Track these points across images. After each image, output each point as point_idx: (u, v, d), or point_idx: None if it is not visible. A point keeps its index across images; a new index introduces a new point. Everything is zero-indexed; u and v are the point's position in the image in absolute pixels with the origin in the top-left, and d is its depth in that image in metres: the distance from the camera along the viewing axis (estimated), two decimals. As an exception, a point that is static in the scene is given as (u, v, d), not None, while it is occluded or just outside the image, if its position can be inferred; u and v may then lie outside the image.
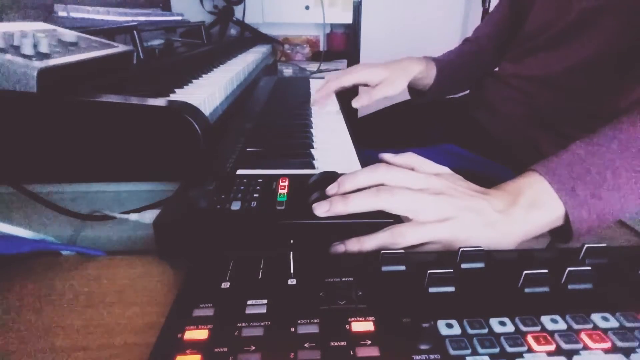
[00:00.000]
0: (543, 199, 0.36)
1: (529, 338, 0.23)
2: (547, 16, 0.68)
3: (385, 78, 0.70)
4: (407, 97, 0.86)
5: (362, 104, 0.67)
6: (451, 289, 0.27)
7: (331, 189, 0.35)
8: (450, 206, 0.34)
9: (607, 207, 0.37)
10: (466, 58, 0.84)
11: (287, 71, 1.57)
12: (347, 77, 0.69)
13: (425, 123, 0.86)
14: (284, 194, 0.37)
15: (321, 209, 0.33)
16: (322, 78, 1.28)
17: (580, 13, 0.60)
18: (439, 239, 0.34)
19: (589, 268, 0.28)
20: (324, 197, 0.35)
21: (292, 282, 0.28)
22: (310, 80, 1.04)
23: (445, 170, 0.38)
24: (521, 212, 0.36)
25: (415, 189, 0.35)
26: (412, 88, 0.79)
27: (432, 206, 0.34)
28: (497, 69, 0.83)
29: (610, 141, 0.39)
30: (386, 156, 0.39)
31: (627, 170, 0.37)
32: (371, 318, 0.24)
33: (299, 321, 0.24)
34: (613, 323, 0.24)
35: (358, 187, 0.35)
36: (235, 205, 0.35)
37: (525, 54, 0.72)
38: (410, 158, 0.39)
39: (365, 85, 0.71)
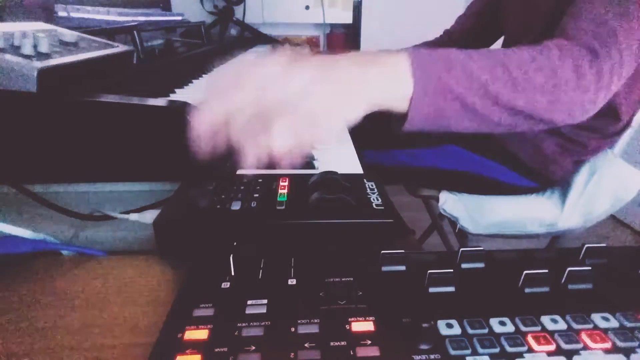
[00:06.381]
0: (390, 61, 0.36)
1: (529, 338, 0.23)
2: (524, 18, 0.69)
3: None
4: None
5: None
6: (451, 289, 0.27)
7: None
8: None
9: (447, 87, 0.37)
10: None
11: (287, 71, 1.56)
12: None
13: None
14: (284, 194, 0.37)
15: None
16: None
17: (543, 16, 0.62)
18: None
19: (589, 268, 0.28)
20: (325, 197, 0.35)
21: (292, 282, 0.28)
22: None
23: None
24: (361, 65, 0.35)
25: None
26: None
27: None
28: None
29: (479, 52, 0.39)
30: None
31: (482, 72, 0.37)
32: (371, 318, 0.24)
33: (299, 321, 0.24)
34: (613, 323, 0.24)
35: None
36: (235, 205, 0.35)
37: None
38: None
39: None
